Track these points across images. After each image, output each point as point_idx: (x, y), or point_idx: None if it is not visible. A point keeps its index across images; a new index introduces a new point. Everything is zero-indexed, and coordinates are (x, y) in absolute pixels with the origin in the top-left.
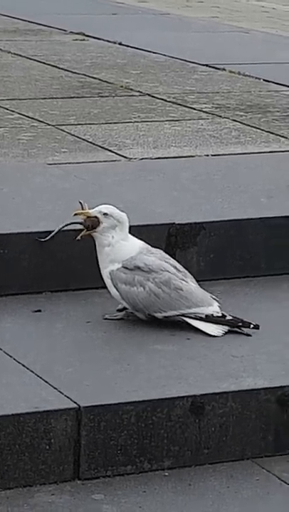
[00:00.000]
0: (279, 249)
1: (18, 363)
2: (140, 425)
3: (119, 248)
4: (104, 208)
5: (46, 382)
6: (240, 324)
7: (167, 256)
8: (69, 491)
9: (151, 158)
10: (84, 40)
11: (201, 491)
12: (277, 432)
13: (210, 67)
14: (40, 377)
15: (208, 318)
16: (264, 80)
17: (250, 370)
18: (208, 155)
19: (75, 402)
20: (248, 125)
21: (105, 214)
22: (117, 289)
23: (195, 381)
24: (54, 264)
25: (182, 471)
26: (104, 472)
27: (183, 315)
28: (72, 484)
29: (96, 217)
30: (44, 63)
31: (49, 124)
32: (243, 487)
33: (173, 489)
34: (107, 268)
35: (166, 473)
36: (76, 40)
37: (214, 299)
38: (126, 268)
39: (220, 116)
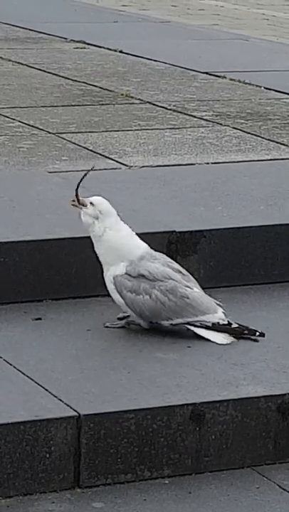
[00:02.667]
0: (279, 256)
1: (19, 371)
2: (140, 433)
3: (110, 242)
4: (93, 198)
5: (46, 390)
6: (245, 332)
7: (170, 260)
8: (69, 499)
9: (151, 166)
10: (84, 48)
11: (201, 499)
12: (278, 440)
13: (210, 74)
14: (41, 386)
15: (214, 327)
16: (264, 87)
17: (250, 378)
18: (208, 163)
19: (75, 410)
20: (249, 133)
21: (91, 203)
22: (121, 296)
23: (195, 389)
24: (54, 273)
25: (182, 479)
26: (105, 480)
27: (189, 323)
28: (72, 492)
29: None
30: (45, 71)
31: (49, 132)
32: (243, 495)
33: (173, 497)
34: (110, 270)
35: (166, 481)
36: (77, 48)
37: (218, 304)
38: (130, 275)
39: (220, 124)
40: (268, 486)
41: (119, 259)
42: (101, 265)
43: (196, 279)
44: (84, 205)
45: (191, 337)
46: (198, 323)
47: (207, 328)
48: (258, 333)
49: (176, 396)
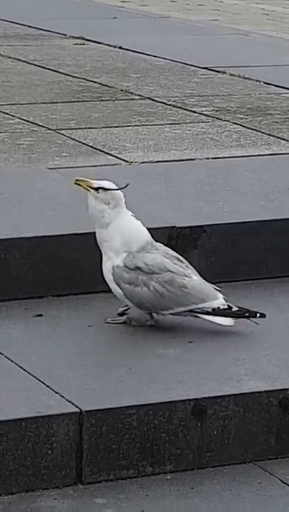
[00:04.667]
0: (280, 251)
1: (20, 367)
2: (142, 429)
3: (120, 230)
4: (103, 182)
5: (48, 386)
6: (246, 315)
7: (167, 248)
8: (71, 496)
9: (151, 162)
10: (84, 44)
11: (204, 495)
12: (280, 435)
13: (210, 70)
14: (42, 382)
15: (215, 312)
16: (264, 82)
17: (251, 373)
18: (208, 158)
19: (76, 407)
20: (249, 128)
21: (102, 188)
22: (120, 288)
23: (197, 384)
24: (55, 269)
25: (184, 474)
26: (107, 476)
27: (190, 310)
28: (74, 488)
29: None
30: (44, 68)
31: (49, 129)
32: (246, 490)
33: (175, 493)
34: (109, 260)
35: (169, 477)
36: (76, 44)
37: (218, 290)
38: (127, 267)
39: (220, 119)
40: (270, 481)
41: (121, 249)
42: (101, 254)
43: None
44: (92, 188)
45: (192, 332)
46: (199, 310)
47: (208, 313)
48: (258, 315)
49: (177, 391)
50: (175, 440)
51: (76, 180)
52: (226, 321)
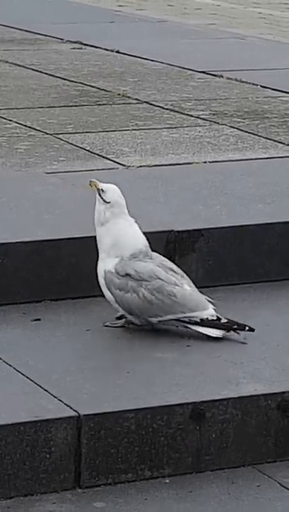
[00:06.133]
0: (278, 254)
1: (18, 371)
2: (140, 433)
3: (113, 232)
4: (106, 185)
5: (46, 390)
6: (235, 327)
7: (164, 258)
8: (70, 500)
9: (149, 166)
10: (81, 48)
11: (202, 498)
12: (278, 438)
13: (207, 73)
14: (40, 386)
15: (204, 322)
16: (261, 86)
17: (249, 376)
18: (206, 162)
19: (75, 411)
20: (246, 131)
21: (102, 190)
22: (111, 293)
23: (195, 388)
24: (53, 273)
25: (183, 478)
26: (105, 480)
27: (178, 319)
28: (73, 493)
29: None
30: (41, 72)
31: (47, 133)
32: (245, 493)
33: (174, 496)
34: (103, 262)
35: (167, 481)
36: (73, 48)
37: (209, 301)
38: (118, 273)
39: (217, 123)
40: (268, 484)
41: (111, 251)
42: (97, 254)
43: (195, 278)
44: (98, 189)
45: (190, 336)
46: (186, 320)
47: (196, 323)
48: (247, 328)
49: (175, 395)
50: (173, 444)
51: (90, 181)
52: (215, 333)
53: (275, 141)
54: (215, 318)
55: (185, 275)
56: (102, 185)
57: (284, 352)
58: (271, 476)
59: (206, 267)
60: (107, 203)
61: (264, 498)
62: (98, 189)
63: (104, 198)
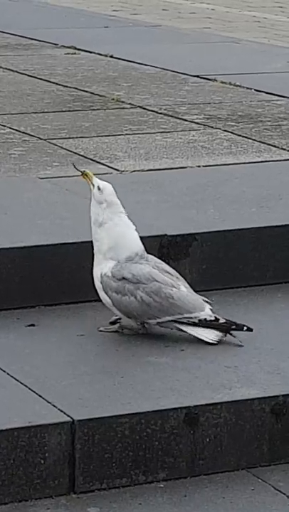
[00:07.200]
0: (271, 258)
1: (12, 377)
2: (134, 437)
3: (110, 234)
4: (102, 184)
5: (40, 396)
6: (233, 327)
7: (159, 261)
8: (64, 505)
9: (142, 171)
10: (75, 53)
11: (197, 502)
12: (272, 442)
13: (201, 78)
14: (34, 392)
15: (202, 323)
16: (255, 89)
17: (243, 380)
18: (199, 166)
19: (69, 416)
20: (240, 135)
21: (99, 188)
22: (108, 297)
23: (189, 392)
24: (47, 279)
25: (177, 482)
26: (100, 485)
27: (176, 321)
28: (67, 498)
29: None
30: (35, 77)
31: (40, 138)
32: (239, 497)
33: (168, 501)
34: (99, 265)
35: (162, 485)
36: (68, 53)
37: (206, 301)
38: (114, 277)
39: (211, 127)
40: (263, 488)
41: (108, 253)
42: (92, 258)
43: (189, 282)
44: (92, 184)
45: (184, 340)
46: (185, 321)
47: (194, 324)
48: (245, 328)
49: (169, 400)
50: (168, 448)
51: (83, 172)
52: (211, 336)
53: (268, 144)
54: (213, 318)
55: (180, 276)
56: (98, 182)
57: (278, 356)
58: (265, 479)
59: (199, 271)
60: (102, 202)
61: (258, 501)
62: (94, 185)
63: (99, 195)
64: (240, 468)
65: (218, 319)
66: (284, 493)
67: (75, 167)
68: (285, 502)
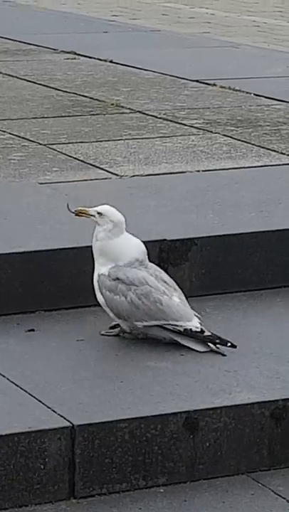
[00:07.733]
0: (270, 263)
1: (12, 382)
2: (134, 442)
3: (112, 247)
4: (98, 208)
5: (40, 401)
6: (217, 341)
7: (159, 269)
8: (64, 510)
9: (142, 175)
10: (75, 58)
11: (197, 507)
12: (272, 446)
13: (200, 82)
14: (34, 397)
15: (186, 332)
16: (254, 94)
17: (243, 384)
18: (199, 170)
19: (68, 421)
20: (239, 140)
21: (100, 214)
22: (102, 295)
23: (189, 397)
24: (47, 284)
25: (177, 487)
26: (100, 490)
27: (161, 326)
28: (67, 503)
29: (93, 215)
30: (35, 83)
31: (40, 144)
32: (239, 502)
33: (168, 505)
34: (98, 270)
35: (162, 490)
36: (67, 59)
37: (197, 316)
38: (110, 276)
39: (211, 132)
40: (262, 493)
41: (108, 262)
42: (93, 266)
43: (188, 287)
44: (90, 215)
45: (183, 345)
46: (170, 327)
47: (179, 332)
48: (229, 344)
49: (169, 404)
50: (167, 453)
51: (76, 211)
52: (198, 347)
53: (268, 149)
54: (199, 330)
55: (178, 288)
56: (96, 209)
57: (277, 360)
58: (265, 484)
59: (199, 275)
60: (107, 224)
61: (258, 506)
62: (92, 215)
63: (103, 220)
64: (240, 473)
65: (204, 331)
66: (284, 498)
67: (68, 209)
68: (285, 506)
